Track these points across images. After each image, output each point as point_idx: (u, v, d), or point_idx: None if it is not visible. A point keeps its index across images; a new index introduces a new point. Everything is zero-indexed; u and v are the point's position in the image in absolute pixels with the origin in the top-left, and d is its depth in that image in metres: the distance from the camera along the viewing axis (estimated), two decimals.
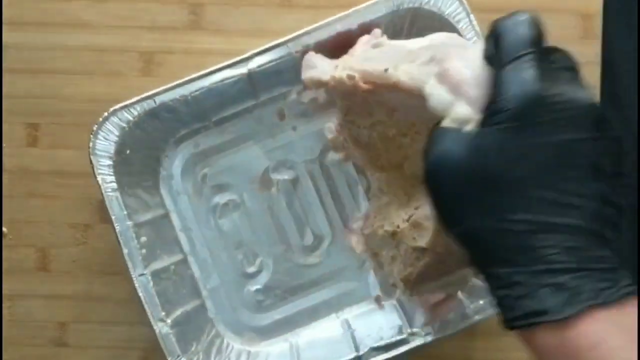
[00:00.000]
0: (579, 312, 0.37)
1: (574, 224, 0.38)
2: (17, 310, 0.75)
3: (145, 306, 0.65)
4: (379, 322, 0.71)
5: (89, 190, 0.73)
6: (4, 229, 0.75)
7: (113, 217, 0.66)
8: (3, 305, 0.75)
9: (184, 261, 0.72)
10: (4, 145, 0.75)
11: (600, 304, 0.37)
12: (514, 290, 0.39)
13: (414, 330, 0.67)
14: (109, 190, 0.66)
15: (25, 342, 0.76)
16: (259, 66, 0.67)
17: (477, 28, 0.65)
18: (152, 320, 0.65)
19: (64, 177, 0.75)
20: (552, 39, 0.74)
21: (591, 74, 0.74)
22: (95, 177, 0.66)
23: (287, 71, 0.69)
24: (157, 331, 0.65)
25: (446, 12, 0.66)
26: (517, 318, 0.39)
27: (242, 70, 0.67)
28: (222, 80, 0.67)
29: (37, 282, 0.76)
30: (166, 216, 0.73)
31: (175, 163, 0.74)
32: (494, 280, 0.40)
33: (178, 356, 0.66)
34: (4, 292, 0.75)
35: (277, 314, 0.74)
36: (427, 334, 0.66)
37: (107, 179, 0.66)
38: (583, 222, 0.39)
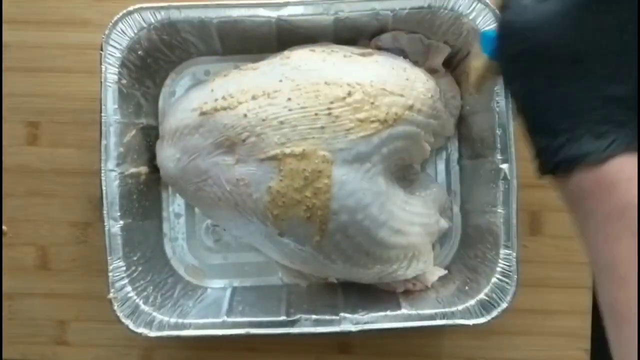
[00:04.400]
0: (617, 154, 0.43)
1: (621, 95, 0.44)
2: (17, 309, 0.76)
3: (104, 201, 0.65)
4: (318, 297, 0.72)
5: (88, 188, 0.74)
6: (4, 228, 0.75)
7: (103, 107, 0.65)
8: (3, 303, 0.75)
9: (157, 177, 0.72)
10: (3, 143, 0.75)
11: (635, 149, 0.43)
12: (557, 139, 0.45)
13: (346, 315, 0.66)
14: (110, 81, 0.66)
15: (25, 341, 0.76)
16: (289, 15, 0.67)
17: None
18: (105, 216, 0.65)
19: (63, 175, 0.75)
20: None
21: None
22: (101, 64, 0.65)
23: (313, 30, 0.69)
24: (106, 228, 0.65)
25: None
26: (560, 163, 0.45)
27: (272, 14, 0.67)
28: (250, 17, 0.67)
29: (37, 281, 0.76)
30: (154, 129, 0.73)
31: (181, 82, 0.75)
32: (539, 133, 0.46)
33: (118, 258, 0.65)
34: (4, 290, 0.75)
35: (227, 257, 0.75)
36: (357, 323, 0.66)
37: (110, 70, 0.66)
38: (630, 94, 0.44)
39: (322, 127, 0.61)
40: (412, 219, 0.67)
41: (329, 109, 0.62)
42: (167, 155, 0.68)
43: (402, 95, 0.64)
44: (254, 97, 0.63)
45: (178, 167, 0.67)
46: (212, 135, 0.64)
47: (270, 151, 0.62)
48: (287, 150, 0.61)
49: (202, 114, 0.65)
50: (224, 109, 0.64)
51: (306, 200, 0.62)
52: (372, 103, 0.62)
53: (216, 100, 0.64)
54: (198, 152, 0.65)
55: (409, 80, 0.65)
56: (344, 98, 0.62)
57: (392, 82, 0.64)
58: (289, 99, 0.62)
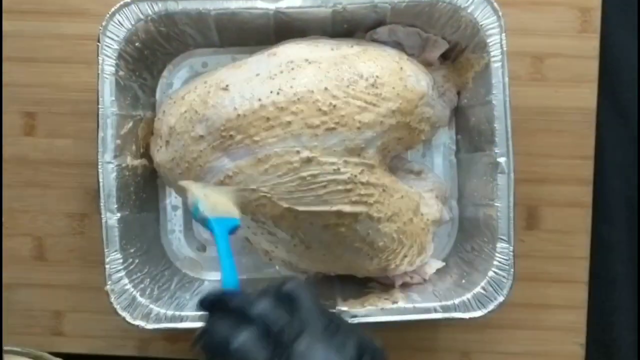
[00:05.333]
0: None
1: None
2: (13, 299, 0.75)
3: (101, 194, 0.65)
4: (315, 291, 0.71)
5: (85, 179, 0.73)
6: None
7: (100, 99, 0.65)
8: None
9: (153, 169, 0.72)
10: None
11: None
12: None
13: (343, 308, 0.66)
14: (107, 73, 0.65)
15: (21, 331, 0.76)
16: (287, 7, 0.66)
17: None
18: (102, 208, 0.65)
19: (60, 166, 0.75)
20: (551, 33, 0.74)
21: (590, 69, 0.74)
22: (98, 56, 0.65)
23: (311, 22, 0.68)
24: (103, 220, 0.65)
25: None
26: None
27: (270, 5, 0.66)
28: (248, 9, 0.67)
29: (34, 272, 0.76)
30: (151, 119, 0.72)
31: (178, 74, 0.75)
32: None
33: (115, 250, 0.65)
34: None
35: None
36: (352, 317, 0.65)
37: (107, 61, 0.65)
38: None
39: (315, 124, 0.62)
40: (408, 208, 0.67)
41: (320, 103, 0.62)
42: (162, 157, 0.68)
43: (394, 87, 0.64)
44: (243, 96, 0.63)
45: (172, 168, 0.67)
46: (204, 135, 0.64)
47: (263, 150, 0.62)
48: (281, 151, 0.62)
49: (193, 113, 0.65)
50: (214, 107, 0.63)
51: None
52: (368, 94, 0.63)
53: (206, 100, 0.64)
54: (191, 153, 0.65)
55: (403, 69, 0.66)
56: (334, 91, 0.62)
57: (385, 73, 0.64)
58: (278, 95, 0.62)
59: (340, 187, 0.62)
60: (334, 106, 0.62)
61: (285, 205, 0.62)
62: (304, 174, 0.62)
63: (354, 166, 0.63)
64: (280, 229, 0.64)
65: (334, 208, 0.62)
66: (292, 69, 0.63)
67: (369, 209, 0.63)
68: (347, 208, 0.62)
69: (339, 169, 0.62)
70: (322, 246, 0.65)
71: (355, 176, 0.63)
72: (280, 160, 0.61)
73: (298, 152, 0.61)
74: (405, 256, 0.68)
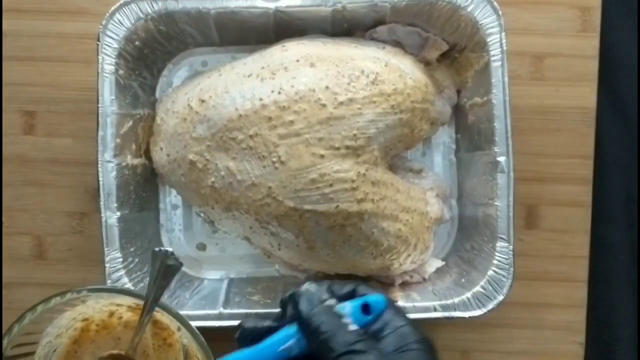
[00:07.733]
0: None
1: None
2: (12, 298, 0.75)
3: (101, 193, 0.65)
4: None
5: (85, 178, 0.73)
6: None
7: (100, 98, 0.65)
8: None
9: (152, 168, 0.72)
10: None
11: None
12: None
13: None
14: (107, 72, 0.66)
15: None
16: (287, 6, 0.67)
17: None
18: (102, 208, 0.65)
19: (60, 165, 0.75)
20: (550, 33, 0.74)
21: (589, 68, 0.74)
22: (97, 55, 0.65)
23: (311, 21, 0.69)
24: (103, 219, 0.65)
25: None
26: None
27: (269, 5, 0.67)
28: (247, 8, 0.67)
29: (33, 270, 0.76)
30: (151, 118, 0.72)
31: (178, 73, 0.75)
32: None
33: (115, 249, 0.65)
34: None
35: (224, 249, 0.75)
36: None
37: (107, 60, 0.66)
38: None
39: (318, 122, 0.62)
40: (411, 206, 0.67)
41: (322, 101, 0.62)
42: (163, 158, 0.68)
43: (393, 84, 0.64)
44: (244, 96, 0.63)
45: (173, 168, 0.67)
46: (205, 136, 0.64)
47: (267, 150, 0.62)
48: (282, 150, 0.62)
49: (194, 114, 0.65)
50: (215, 107, 0.63)
51: None
52: (369, 91, 0.63)
53: (207, 101, 0.64)
54: (192, 154, 0.65)
55: (402, 67, 0.66)
56: (335, 89, 0.62)
57: (384, 70, 0.64)
58: (279, 94, 0.62)
59: (346, 186, 0.62)
60: (336, 104, 0.62)
61: (291, 204, 0.62)
62: (310, 173, 0.62)
63: (359, 164, 0.63)
64: (284, 229, 0.64)
65: (341, 206, 0.62)
66: (293, 67, 0.63)
67: (375, 207, 0.64)
68: (354, 206, 0.62)
69: (344, 167, 0.62)
70: (327, 246, 0.65)
71: (364, 174, 0.63)
72: (284, 160, 0.61)
73: (302, 151, 0.61)
74: (409, 255, 0.68)
